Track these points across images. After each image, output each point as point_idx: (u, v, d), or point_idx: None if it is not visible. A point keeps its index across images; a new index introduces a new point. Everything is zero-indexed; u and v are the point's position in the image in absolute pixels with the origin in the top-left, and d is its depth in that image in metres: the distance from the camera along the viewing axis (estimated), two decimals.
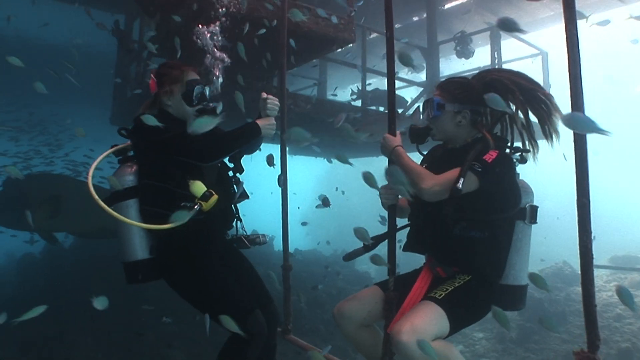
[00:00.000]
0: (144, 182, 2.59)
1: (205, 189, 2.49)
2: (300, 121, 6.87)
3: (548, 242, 17.74)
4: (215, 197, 2.49)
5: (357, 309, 2.58)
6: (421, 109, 2.71)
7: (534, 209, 2.51)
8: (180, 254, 2.59)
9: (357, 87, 10.39)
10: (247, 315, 2.48)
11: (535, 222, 2.52)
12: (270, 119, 2.69)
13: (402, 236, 2.71)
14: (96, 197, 2.47)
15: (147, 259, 2.62)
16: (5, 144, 13.86)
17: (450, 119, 2.53)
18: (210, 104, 2.76)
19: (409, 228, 2.73)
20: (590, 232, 1.80)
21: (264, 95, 2.74)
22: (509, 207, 2.41)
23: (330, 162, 11.38)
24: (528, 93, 2.42)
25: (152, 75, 2.78)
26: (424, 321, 2.17)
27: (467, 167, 2.27)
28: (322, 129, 7.15)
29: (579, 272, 1.86)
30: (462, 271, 2.45)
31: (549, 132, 2.39)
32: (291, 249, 12.86)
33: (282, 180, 3.52)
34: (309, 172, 28.44)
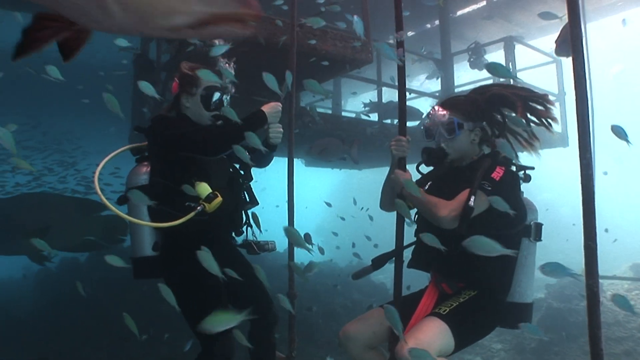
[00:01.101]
0: (153, 180, 2.68)
1: (210, 190, 2.54)
2: (316, 137, 6.91)
3: (565, 250, 17.43)
4: (219, 199, 2.54)
5: (362, 331, 2.60)
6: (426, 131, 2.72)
7: (539, 226, 2.56)
8: (180, 254, 2.63)
9: (370, 99, 10.33)
10: (218, 336, 2.43)
11: (539, 240, 2.55)
12: (276, 104, 2.71)
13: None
14: (102, 197, 2.60)
15: (154, 256, 2.71)
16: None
17: (466, 138, 2.57)
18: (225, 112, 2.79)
19: (414, 245, 2.74)
20: (598, 275, 1.79)
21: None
22: (516, 223, 2.43)
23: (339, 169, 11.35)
24: (526, 101, 2.52)
25: (175, 77, 2.86)
26: (428, 337, 2.19)
27: (477, 187, 2.30)
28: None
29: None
30: (468, 287, 2.45)
31: (547, 122, 2.52)
32: (305, 261, 12.76)
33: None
34: (324, 182, 28.43)
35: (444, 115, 2.56)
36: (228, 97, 2.87)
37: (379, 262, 2.77)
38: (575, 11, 1.87)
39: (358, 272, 2.86)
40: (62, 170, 13.42)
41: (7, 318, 7.43)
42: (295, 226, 3.60)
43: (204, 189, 2.54)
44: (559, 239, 17.01)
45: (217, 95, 2.78)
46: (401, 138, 2.61)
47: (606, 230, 8.62)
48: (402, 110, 2.64)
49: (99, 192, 2.60)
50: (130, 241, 2.79)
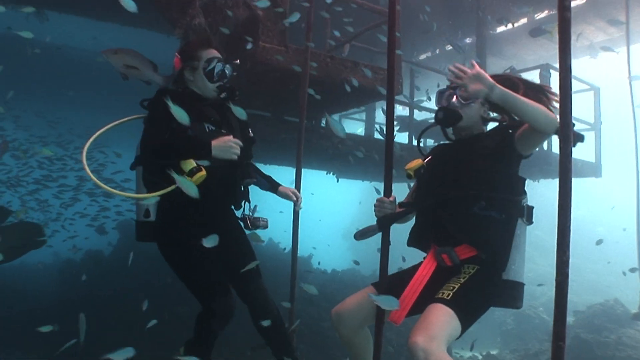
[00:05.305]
0: None
1: (195, 165, 2.58)
2: (346, 157, 6.89)
3: (600, 270, 16.71)
4: (202, 173, 2.57)
5: (355, 312, 2.63)
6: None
7: (530, 209, 2.62)
8: (171, 223, 2.81)
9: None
10: (216, 297, 2.72)
11: (531, 223, 2.61)
12: (227, 139, 2.69)
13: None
14: (91, 175, 2.70)
15: (152, 222, 2.87)
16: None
17: (479, 109, 2.65)
18: (228, 84, 2.91)
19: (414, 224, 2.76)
20: None
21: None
22: (521, 191, 2.55)
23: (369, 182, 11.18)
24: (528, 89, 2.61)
25: (177, 53, 2.96)
26: (437, 326, 2.18)
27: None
28: (371, 166, 7.48)
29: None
30: (469, 260, 2.47)
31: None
32: (328, 268, 12.57)
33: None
34: (351, 191, 28.31)
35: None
36: (230, 68, 2.94)
37: (384, 222, 2.64)
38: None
39: (362, 231, 2.80)
40: (75, 163, 13.56)
41: (30, 306, 7.54)
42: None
43: (188, 163, 2.59)
44: (597, 259, 16.37)
45: (219, 67, 2.87)
46: (384, 200, 2.64)
47: None
48: (388, 171, 2.58)
49: (91, 175, 2.72)
50: (136, 205, 2.96)
